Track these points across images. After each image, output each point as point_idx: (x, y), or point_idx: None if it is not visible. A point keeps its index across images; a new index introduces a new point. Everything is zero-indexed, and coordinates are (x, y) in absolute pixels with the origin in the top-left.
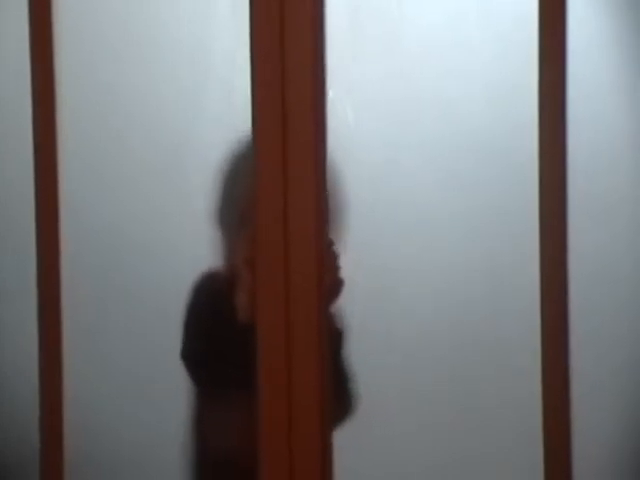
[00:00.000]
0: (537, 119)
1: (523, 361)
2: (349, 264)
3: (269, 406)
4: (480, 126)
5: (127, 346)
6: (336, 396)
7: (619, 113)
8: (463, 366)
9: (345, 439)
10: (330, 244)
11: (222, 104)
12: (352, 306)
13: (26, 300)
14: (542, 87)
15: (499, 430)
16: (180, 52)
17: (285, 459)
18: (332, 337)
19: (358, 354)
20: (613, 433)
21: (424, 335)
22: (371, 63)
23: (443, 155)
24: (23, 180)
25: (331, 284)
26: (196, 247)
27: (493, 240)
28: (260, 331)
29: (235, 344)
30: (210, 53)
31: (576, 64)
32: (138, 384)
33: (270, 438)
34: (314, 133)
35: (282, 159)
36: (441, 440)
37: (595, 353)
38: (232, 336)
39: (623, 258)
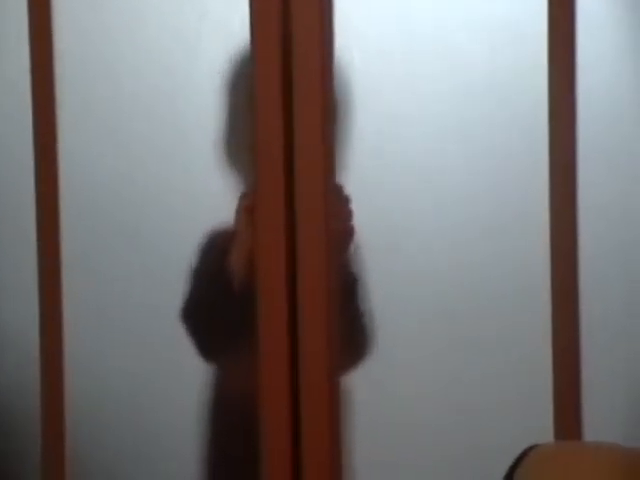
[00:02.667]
0: (547, 69)
1: (533, 306)
2: (360, 210)
3: (270, 363)
4: (487, 73)
5: (131, 337)
6: (351, 341)
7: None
8: (477, 308)
9: (360, 382)
10: (339, 189)
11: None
12: (367, 250)
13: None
14: (551, 35)
15: (511, 374)
16: None
17: (288, 412)
18: (346, 284)
19: (374, 298)
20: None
21: (440, 280)
22: (378, 13)
23: (449, 102)
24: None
25: (342, 232)
26: (205, 202)
27: (502, 192)
28: (261, 287)
29: (232, 305)
30: None
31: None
32: (143, 372)
33: (272, 390)
34: (320, 75)
35: (284, 101)
36: (455, 384)
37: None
38: (229, 296)
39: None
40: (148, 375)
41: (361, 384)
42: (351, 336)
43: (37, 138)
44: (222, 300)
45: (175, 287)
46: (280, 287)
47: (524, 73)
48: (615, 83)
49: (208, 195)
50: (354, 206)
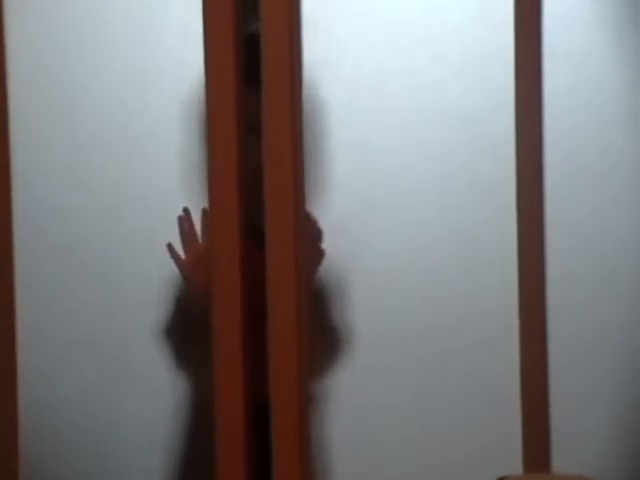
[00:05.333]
0: (513, 86)
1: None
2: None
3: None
4: (454, 94)
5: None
6: (323, 342)
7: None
8: (457, 308)
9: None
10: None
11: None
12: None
13: None
14: (518, 60)
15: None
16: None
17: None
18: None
19: (356, 300)
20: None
21: (423, 282)
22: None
23: (418, 122)
24: None
25: (312, 254)
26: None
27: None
28: (216, 297)
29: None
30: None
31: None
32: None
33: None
34: (289, 102)
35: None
36: (422, 404)
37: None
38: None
39: (603, 234)
40: (111, 386)
41: (336, 393)
42: (321, 339)
43: None
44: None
45: (140, 301)
46: (235, 299)
47: (491, 93)
48: (583, 90)
49: (170, 210)
50: (328, 233)
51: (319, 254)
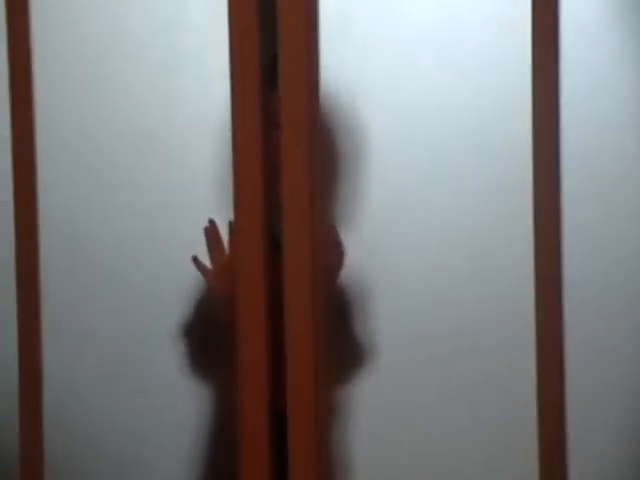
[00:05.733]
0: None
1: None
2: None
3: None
4: (471, 108)
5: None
6: (345, 353)
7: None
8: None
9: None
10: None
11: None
12: (370, 264)
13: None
14: (535, 67)
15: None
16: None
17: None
18: (339, 299)
19: (377, 309)
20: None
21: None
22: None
23: (430, 134)
24: None
25: (332, 257)
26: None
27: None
28: (241, 307)
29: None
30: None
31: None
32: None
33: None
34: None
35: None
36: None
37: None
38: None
39: (619, 242)
40: (129, 389)
41: (358, 399)
42: (343, 350)
43: (17, 180)
44: (214, 321)
45: (162, 306)
46: (259, 309)
47: (506, 100)
48: (602, 101)
49: (198, 217)
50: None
51: (339, 254)
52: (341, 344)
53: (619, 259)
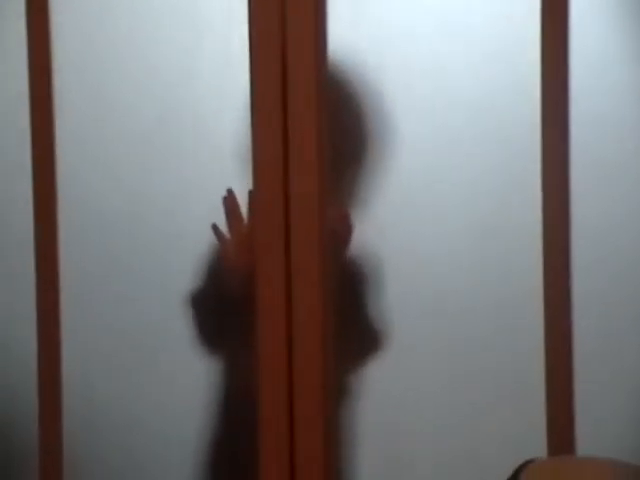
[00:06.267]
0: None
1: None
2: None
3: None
4: (482, 95)
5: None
6: (359, 338)
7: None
8: (473, 312)
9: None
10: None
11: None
12: (382, 248)
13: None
14: (544, 53)
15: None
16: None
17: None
18: (353, 281)
19: (389, 294)
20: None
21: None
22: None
23: (441, 119)
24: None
25: (341, 230)
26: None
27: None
28: (260, 284)
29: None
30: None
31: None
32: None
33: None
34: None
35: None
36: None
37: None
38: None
39: (628, 231)
40: (145, 378)
41: (367, 384)
42: (358, 334)
43: (35, 151)
44: (228, 293)
45: (175, 290)
46: (279, 285)
47: (516, 89)
48: (610, 94)
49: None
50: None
51: (347, 229)
52: (355, 328)
53: (627, 247)
